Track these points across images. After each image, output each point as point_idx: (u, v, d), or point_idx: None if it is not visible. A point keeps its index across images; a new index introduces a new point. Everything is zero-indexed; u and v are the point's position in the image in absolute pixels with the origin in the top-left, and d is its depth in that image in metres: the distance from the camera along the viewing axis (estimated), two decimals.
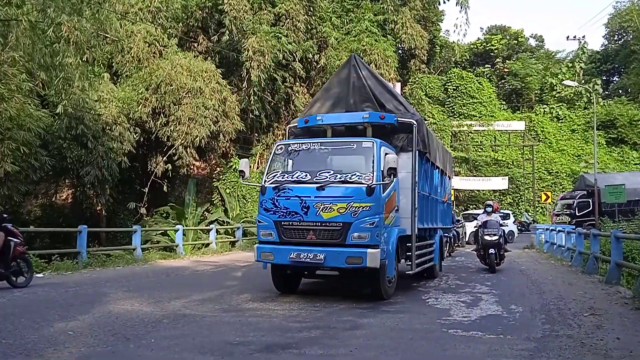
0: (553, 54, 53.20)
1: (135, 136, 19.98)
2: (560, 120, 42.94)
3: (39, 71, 13.69)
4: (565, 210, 26.42)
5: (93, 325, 5.91)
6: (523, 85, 45.56)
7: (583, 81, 43.54)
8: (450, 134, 39.76)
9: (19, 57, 12.70)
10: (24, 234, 9.61)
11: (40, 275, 10.55)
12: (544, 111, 43.35)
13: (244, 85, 25.01)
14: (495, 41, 49.85)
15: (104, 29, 13.46)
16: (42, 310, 6.72)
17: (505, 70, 47.53)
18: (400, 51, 33.32)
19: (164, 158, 21.16)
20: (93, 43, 12.79)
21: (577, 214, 25.40)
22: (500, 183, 37.22)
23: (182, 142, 20.38)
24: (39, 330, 5.58)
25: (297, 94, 28.40)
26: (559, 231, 17.63)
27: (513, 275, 12.17)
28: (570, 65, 47.23)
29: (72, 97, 14.31)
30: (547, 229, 20.55)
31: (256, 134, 29.06)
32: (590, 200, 25.71)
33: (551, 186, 38.73)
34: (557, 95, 44.16)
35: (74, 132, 17.25)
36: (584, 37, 65.04)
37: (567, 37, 76.62)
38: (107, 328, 5.78)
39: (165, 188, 21.70)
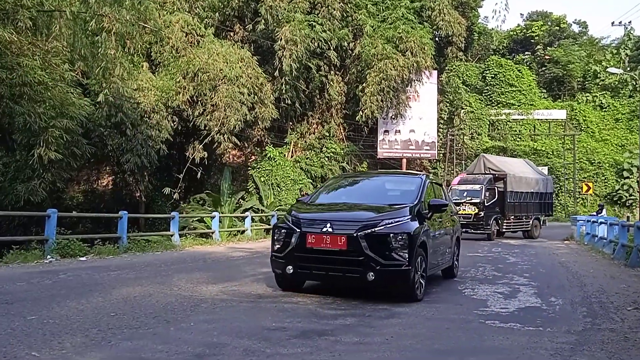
0: (597, 41, 51.38)
1: (172, 124, 20.33)
2: (604, 109, 41.57)
3: (80, 61, 14.05)
4: (468, 197, 20.96)
5: (134, 307, 6.08)
6: (565, 72, 44.25)
7: (629, 68, 41.98)
8: (488, 122, 39.04)
9: (62, 47, 13.08)
10: (67, 219, 9.88)
11: (83, 258, 10.91)
12: (587, 99, 42.05)
13: (277, 73, 25.03)
14: (536, 27, 48.41)
15: (143, 19, 13.66)
16: (86, 292, 6.94)
17: (547, 57, 46.21)
18: (437, 38, 32.75)
19: (201, 145, 21.46)
20: (133, 33, 13.02)
21: (486, 203, 20.72)
22: None
23: (219, 129, 20.60)
24: (84, 312, 5.77)
25: (331, 83, 28.30)
26: (601, 223, 17.14)
27: (552, 268, 11.90)
28: (615, 52, 45.56)
29: (112, 86, 14.64)
30: (587, 221, 19.98)
31: (290, 123, 29.13)
32: (496, 188, 21.50)
33: (593, 177, 37.67)
34: (600, 83, 42.75)
35: (114, 120, 17.71)
36: (630, 22, 62.79)
37: (612, 23, 73.89)
38: (148, 311, 5.93)
39: (201, 175, 22.01)
